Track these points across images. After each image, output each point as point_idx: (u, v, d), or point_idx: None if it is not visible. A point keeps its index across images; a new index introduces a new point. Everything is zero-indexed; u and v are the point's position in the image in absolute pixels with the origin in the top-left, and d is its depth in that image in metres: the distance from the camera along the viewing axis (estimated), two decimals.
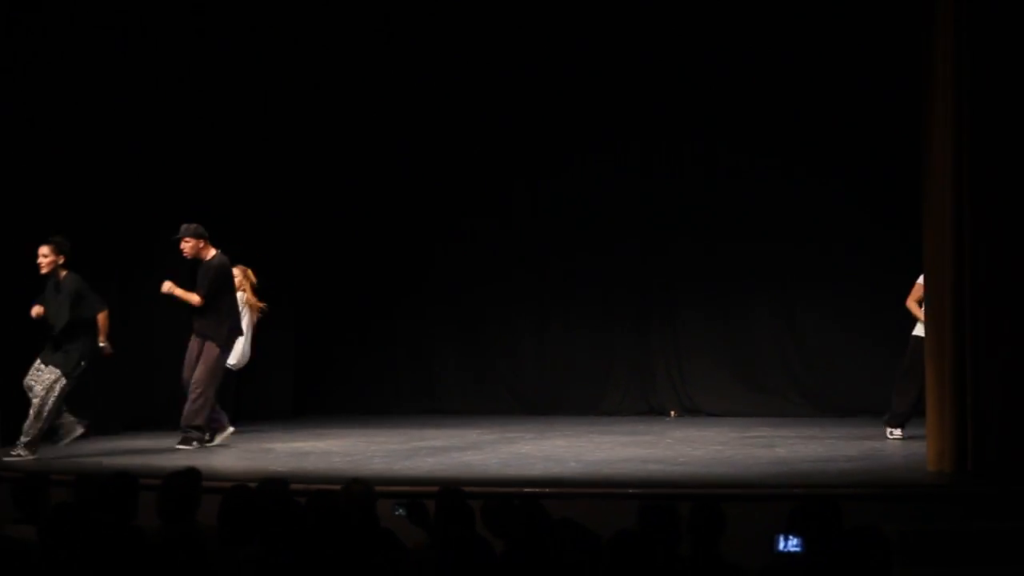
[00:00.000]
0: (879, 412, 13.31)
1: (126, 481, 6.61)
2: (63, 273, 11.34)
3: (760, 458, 10.62)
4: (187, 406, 11.90)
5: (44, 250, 11.29)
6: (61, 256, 11.30)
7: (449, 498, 6.53)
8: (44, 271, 11.33)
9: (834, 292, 14.22)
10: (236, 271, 12.60)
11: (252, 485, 6.58)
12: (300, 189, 15.14)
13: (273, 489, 6.73)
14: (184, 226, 12.00)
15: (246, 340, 12.98)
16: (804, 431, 12.47)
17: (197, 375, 11.88)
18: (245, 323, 12.88)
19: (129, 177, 13.37)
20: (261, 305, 13.21)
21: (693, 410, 14.49)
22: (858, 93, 13.80)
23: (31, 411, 11.16)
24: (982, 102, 9.39)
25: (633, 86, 14.52)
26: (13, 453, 11.08)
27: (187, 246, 11.97)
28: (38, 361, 11.27)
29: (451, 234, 15.29)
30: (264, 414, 14.55)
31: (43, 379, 11.19)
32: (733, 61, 14.21)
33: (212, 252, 12.04)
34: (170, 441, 12.01)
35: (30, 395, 11.20)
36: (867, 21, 13.52)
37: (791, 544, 5.43)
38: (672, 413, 14.50)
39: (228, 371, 12.63)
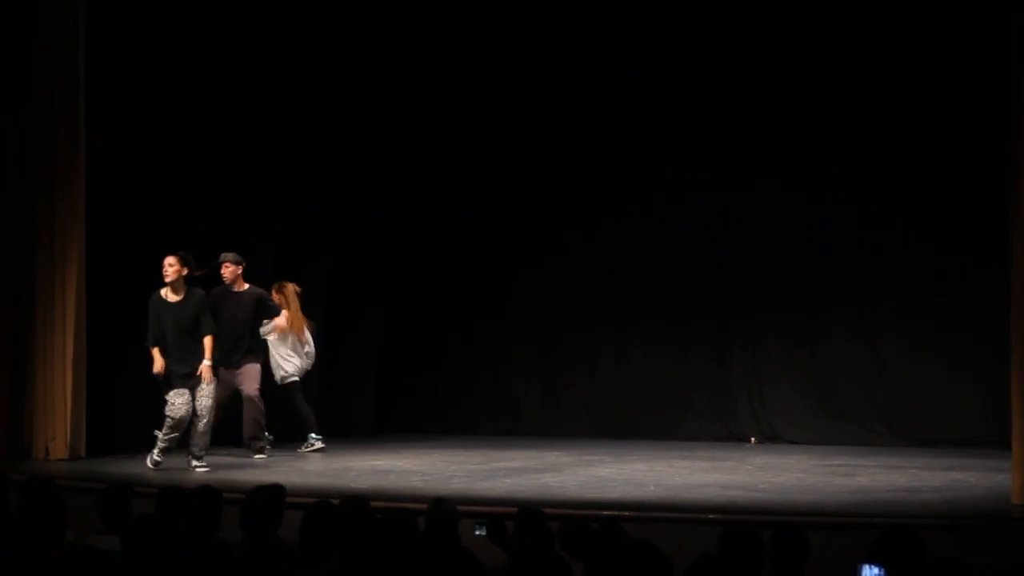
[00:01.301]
0: (961, 442, 13.23)
1: (209, 495, 6.67)
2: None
3: (841, 487, 10.53)
4: (256, 416, 12.44)
5: (171, 260, 11.58)
6: (186, 269, 11.58)
7: (528, 518, 6.53)
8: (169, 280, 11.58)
9: (916, 321, 14.05)
10: (275, 294, 12.98)
11: (334, 502, 6.63)
12: (385, 210, 15.21)
13: (354, 506, 6.78)
14: (224, 253, 12.54)
15: (304, 354, 13.33)
16: (885, 460, 12.34)
17: (254, 391, 12.39)
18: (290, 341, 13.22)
19: (205, 197, 13.51)
20: (306, 320, 13.44)
21: (773, 437, 14.39)
22: (939, 129, 13.65)
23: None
24: None
25: (720, 116, 14.45)
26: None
27: (227, 271, 12.55)
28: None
29: (533, 257, 15.30)
30: (344, 432, 14.62)
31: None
32: (819, 95, 14.10)
33: (246, 284, 12.68)
34: (249, 456, 12.23)
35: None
36: (944, 58, 13.44)
37: (873, 574, 5.39)
38: (752, 440, 14.40)
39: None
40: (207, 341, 11.51)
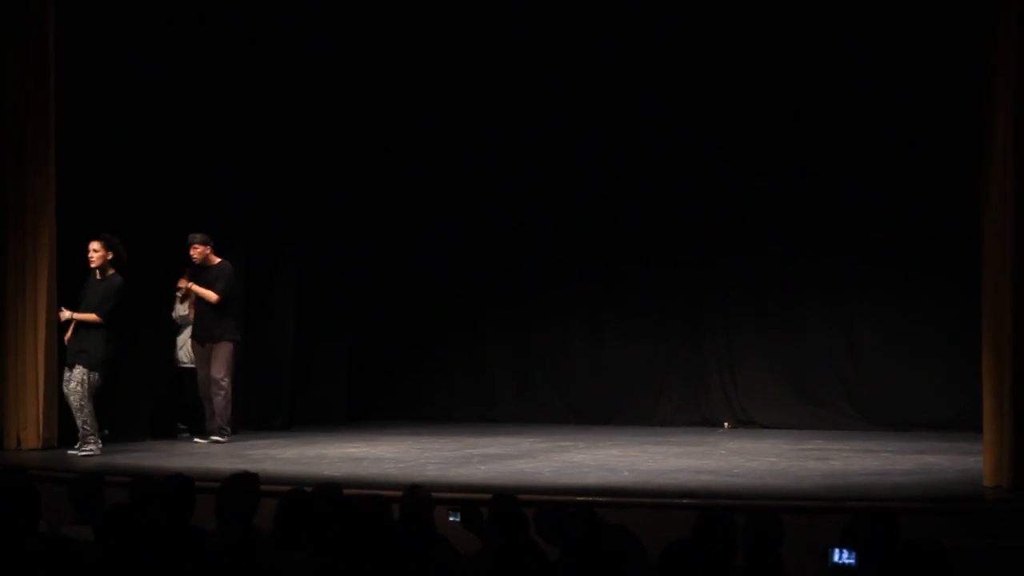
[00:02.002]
0: (934, 426, 13.30)
1: (182, 483, 6.65)
2: (111, 271, 11.83)
3: (814, 471, 10.57)
4: (218, 403, 12.60)
5: (95, 245, 11.79)
6: (110, 253, 11.76)
7: (503, 504, 6.54)
8: (93, 265, 11.84)
9: (889, 305, 14.14)
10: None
11: (308, 490, 6.61)
12: (355, 194, 15.19)
13: (328, 494, 6.77)
14: (192, 234, 12.76)
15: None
16: (858, 444, 12.40)
17: (221, 373, 12.61)
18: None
19: (179, 179, 13.46)
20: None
21: (746, 421, 14.44)
22: (914, 110, 13.71)
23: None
24: None
25: (694, 99, 14.47)
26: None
27: (196, 252, 12.75)
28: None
29: (506, 242, 15.31)
30: (318, 420, 14.64)
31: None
32: (790, 79, 14.14)
33: (217, 259, 12.82)
34: (221, 443, 12.23)
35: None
36: (923, 42, 13.48)
37: (845, 557, 5.40)
38: (725, 424, 14.45)
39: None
40: (89, 317, 11.74)
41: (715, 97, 14.43)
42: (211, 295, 12.66)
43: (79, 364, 11.59)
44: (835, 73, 13.98)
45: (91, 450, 11.52)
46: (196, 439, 12.76)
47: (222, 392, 12.65)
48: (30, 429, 11.83)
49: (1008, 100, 9.41)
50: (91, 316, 11.70)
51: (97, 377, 11.63)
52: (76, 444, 11.59)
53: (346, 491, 7.17)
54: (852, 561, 5.39)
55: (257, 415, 14.09)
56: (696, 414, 14.71)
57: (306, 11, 14.23)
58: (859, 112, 13.99)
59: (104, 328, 11.72)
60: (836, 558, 5.41)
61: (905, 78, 13.72)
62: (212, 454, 11.70)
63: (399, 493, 6.84)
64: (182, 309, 13.15)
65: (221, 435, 12.57)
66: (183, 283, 12.88)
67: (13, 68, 11.97)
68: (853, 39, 13.81)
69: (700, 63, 14.39)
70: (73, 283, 12.06)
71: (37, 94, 11.95)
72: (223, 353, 12.72)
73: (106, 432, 12.00)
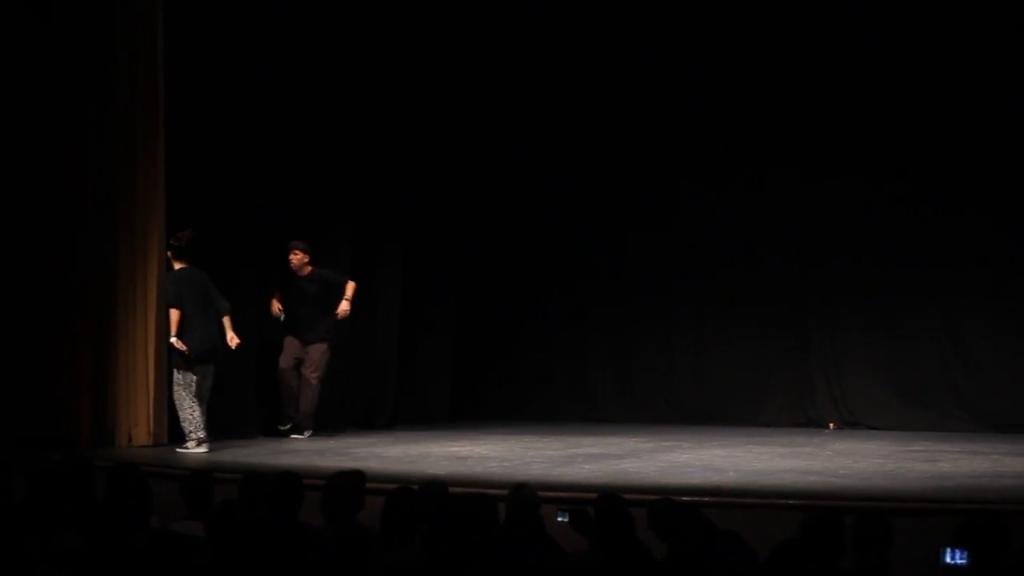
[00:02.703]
0: None
1: (290, 480, 6.71)
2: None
3: (922, 472, 10.44)
4: (307, 401, 12.95)
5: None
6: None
7: (609, 504, 6.53)
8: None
9: (998, 306, 13.92)
10: None
11: (414, 487, 6.65)
12: (458, 193, 15.23)
13: (433, 492, 6.80)
14: (295, 242, 13.07)
15: None
16: (967, 446, 12.21)
17: (318, 372, 12.98)
18: None
19: (283, 177, 13.57)
20: None
21: (852, 423, 14.29)
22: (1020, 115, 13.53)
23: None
24: None
25: (802, 102, 14.35)
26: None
27: (296, 258, 13.09)
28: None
29: (611, 243, 15.29)
30: (421, 419, 14.70)
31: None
32: (898, 82, 13.99)
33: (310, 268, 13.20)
34: (327, 442, 12.37)
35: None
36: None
37: (958, 557, 5.34)
38: (831, 425, 14.32)
39: None
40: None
41: (821, 97, 14.29)
42: (348, 297, 13.14)
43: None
44: (946, 74, 13.80)
45: (187, 448, 11.70)
46: (293, 436, 12.92)
47: (313, 390, 12.90)
48: (140, 426, 11.96)
49: None
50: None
51: (187, 375, 11.85)
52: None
53: (451, 489, 7.21)
54: (964, 561, 5.32)
55: (361, 415, 14.18)
56: (801, 415, 14.59)
57: (407, 11, 14.31)
58: (968, 116, 13.79)
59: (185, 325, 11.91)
60: (948, 558, 5.34)
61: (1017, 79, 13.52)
62: (319, 452, 11.79)
63: (504, 492, 6.86)
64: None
65: (301, 432, 12.91)
66: (276, 308, 13.09)
67: (124, 67, 12.02)
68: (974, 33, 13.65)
69: (798, 61, 14.28)
70: None
71: (147, 92, 12.02)
72: (321, 352, 12.95)
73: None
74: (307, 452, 11.80)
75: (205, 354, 11.93)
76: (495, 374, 15.57)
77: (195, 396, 11.81)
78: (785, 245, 14.62)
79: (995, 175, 13.76)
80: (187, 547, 5.34)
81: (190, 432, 11.74)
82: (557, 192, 15.33)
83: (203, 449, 11.68)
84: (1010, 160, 13.68)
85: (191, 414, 11.75)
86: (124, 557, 5.35)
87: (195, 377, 11.84)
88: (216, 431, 12.12)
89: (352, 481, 6.69)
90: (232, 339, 12.08)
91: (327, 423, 13.48)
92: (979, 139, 13.80)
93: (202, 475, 7.32)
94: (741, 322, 14.84)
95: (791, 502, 8.72)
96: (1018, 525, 6.00)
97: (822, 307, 14.60)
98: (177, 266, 11.92)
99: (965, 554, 5.31)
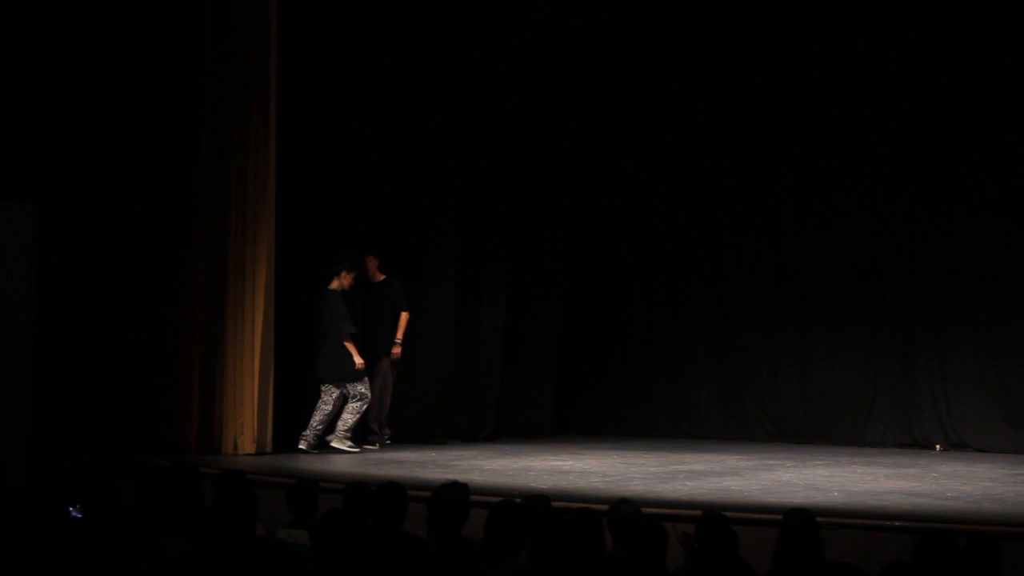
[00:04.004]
0: None
1: (395, 490, 6.74)
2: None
3: None
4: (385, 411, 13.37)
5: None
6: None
7: (712, 522, 6.48)
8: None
9: None
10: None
11: (517, 500, 6.65)
12: (562, 209, 15.24)
13: (537, 505, 6.80)
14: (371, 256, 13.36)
15: None
16: None
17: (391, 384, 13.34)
18: None
19: (392, 190, 13.69)
20: None
21: (959, 444, 14.09)
22: None
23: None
24: None
25: (913, 130, 14.24)
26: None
27: (372, 265, 13.43)
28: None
29: (717, 259, 15.22)
30: (524, 432, 14.72)
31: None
32: (988, 113, 13.85)
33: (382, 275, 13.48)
34: (429, 454, 12.40)
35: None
36: None
37: None
38: (937, 447, 14.12)
39: None
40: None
41: (937, 128, 14.15)
42: (398, 339, 13.34)
43: None
44: None
45: (302, 448, 12.35)
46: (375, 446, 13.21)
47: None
48: (246, 435, 12.08)
49: None
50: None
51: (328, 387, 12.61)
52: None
53: (553, 503, 7.21)
54: None
55: (464, 427, 14.23)
56: (907, 435, 14.41)
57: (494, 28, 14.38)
58: None
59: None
60: None
61: None
62: (421, 463, 11.84)
63: (606, 507, 6.84)
64: None
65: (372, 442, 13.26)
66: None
67: (237, 68, 12.12)
68: None
69: (911, 93, 14.16)
70: (290, 287, 12.39)
71: (259, 96, 12.14)
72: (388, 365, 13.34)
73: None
74: (410, 463, 11.85)
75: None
76: (597, 389, 15.55)
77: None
78: (893, 262, 14.46)
79: None
80: (291, 555, 5.37)
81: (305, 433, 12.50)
82: (661, 209, 15.31)
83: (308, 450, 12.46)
84: None
85: (316, 420, 12.58)
86: (229, 564, 5.39)
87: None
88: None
89: (456, 493, 6.70)
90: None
91: (430, 433, 13.60)
92: None
93: (307, 484, 7.36)
94: (846, 340, 14.68)
95: (897, 524, 8.61)
96: None
97: (930, 327, 14.40)
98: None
99: None
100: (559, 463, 12.19)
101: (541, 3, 14.62)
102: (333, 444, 12.56)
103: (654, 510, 8.43)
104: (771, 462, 12.53)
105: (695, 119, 15.08)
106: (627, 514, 6.66)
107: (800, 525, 6.45)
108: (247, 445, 12.06)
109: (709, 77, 15.00)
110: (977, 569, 5.46)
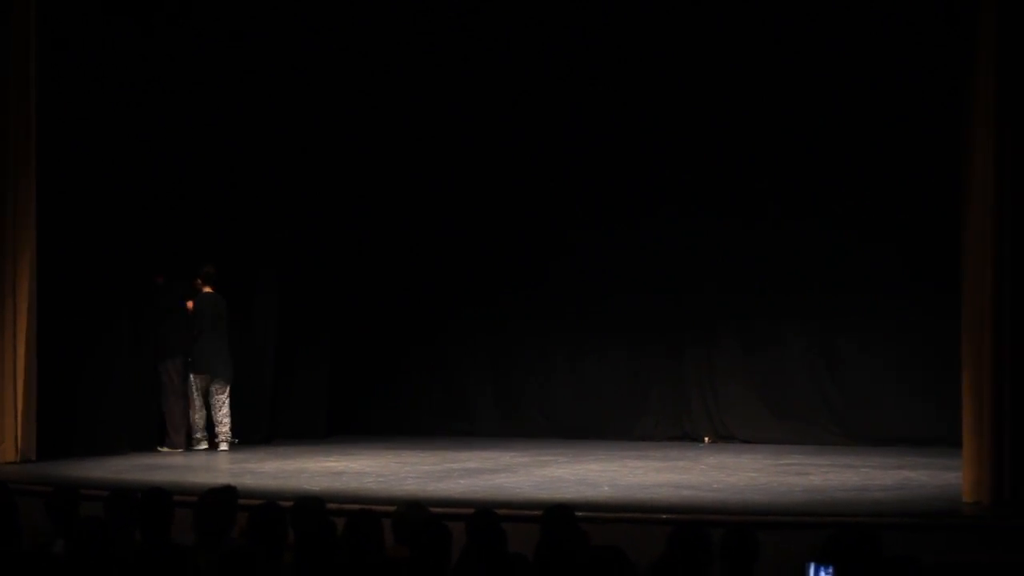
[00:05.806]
0: (913, 441, 13.29)
1: (159, 497, 6.61)
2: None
3: (794, 486, 10.56)
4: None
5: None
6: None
7: (482, 519, 6.51)
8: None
9: (868, 321, 14.11)
10: None
11: (286, 504, 6.58)
12: (337, 211, 15.14)
13: (308, 507, 6.73)
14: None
15: None
16: (838, 460, 12.38)
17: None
18: None
19: (164, 205, 13.52)
20: None
21: (727, 436, 14.41)
22: (892, 140, 13.73)
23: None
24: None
25: (675, 139, 14.48)
26: None
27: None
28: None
29: (487, 259, 15.27)
30: (298, 434, 14.58)
31: None
32: (772, 109, 14.17)
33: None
34: (202, 458, 12.24)
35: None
36: (900, 71, 13.53)
37: (823, 574, 5.38)
38: (706, 439, 14.43)
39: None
40: None
41: (700, 135, 14.39)
42: None
43: None
44: (821, 97, 13.97)
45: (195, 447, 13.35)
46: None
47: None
48: (7, 443, 11.77)
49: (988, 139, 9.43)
50: None
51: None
52: None
53: (329, 505, 7.15)
54: None
55: (237, 431, 14.02)
56: (677, 429, 14.68)
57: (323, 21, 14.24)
58: (846, 143, 13.96)
59: None
60: (813, 574, 5.38)
61: (895, 98, 13.71)
62: (189, 468, 11.65)
63: (389, 508, 6.83)
64: None
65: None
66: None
67: None
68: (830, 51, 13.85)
69: (682, 95, 14.41)
70: (53, 295, 12.08)
71: (20, 119, 11.99)
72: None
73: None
74: (179, 468, 11.65)
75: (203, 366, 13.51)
76: (373, 390, 15.47)
77: (202, 400, 13.42)
78: (662, 260, 14.65)
79: (864, 198, 13.92)
80: (47, 566, 5.23)
81: (195, 433, 13.29)
82: (437, 214, 15.28)
83: (203, 447, 13.31)
84: (878, 183, 13.86)
85: (198, 415, 13.37)
86: None
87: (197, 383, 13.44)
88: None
89: (224, 497, 6.60)
90: None
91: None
92: (847, 163, 13.99)
93: (65, 492, 7.16)
94: (618, 337, 14.88)
95: (664, 516, 8.76)
96: (886, 538, 6.06)
97: (697, 321, 14.68)
98: (206, 290, 13.64)
99: (830, 570, 5.34)
100: (333, 464, 12.12)
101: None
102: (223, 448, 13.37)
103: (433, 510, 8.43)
104: (545, 458, 12.65)
105: (460, 126, 15.06)
106: (413, 516, 6.65)
107: (559, 520, 6.51)
108: (8, 453, 11.74)
109: (467, 85, 14.99)
110: (734, 559, 5.58)
